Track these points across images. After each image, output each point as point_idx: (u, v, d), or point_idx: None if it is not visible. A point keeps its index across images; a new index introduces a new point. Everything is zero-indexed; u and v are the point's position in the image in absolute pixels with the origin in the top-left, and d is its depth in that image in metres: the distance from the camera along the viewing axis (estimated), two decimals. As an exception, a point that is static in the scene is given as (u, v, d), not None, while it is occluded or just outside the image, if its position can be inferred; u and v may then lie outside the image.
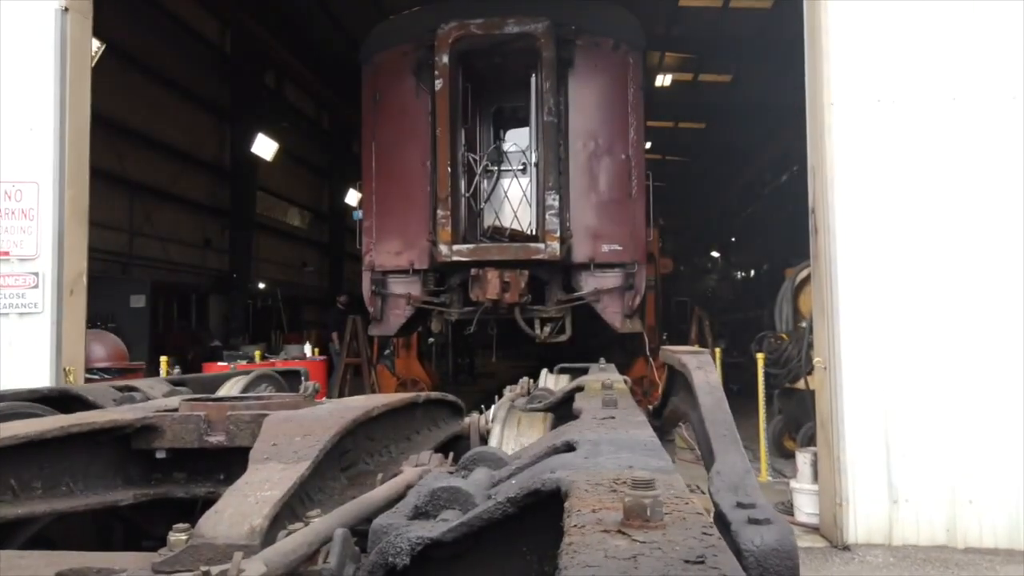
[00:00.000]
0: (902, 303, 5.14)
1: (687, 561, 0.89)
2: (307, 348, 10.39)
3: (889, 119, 5.23)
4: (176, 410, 2.17)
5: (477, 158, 9.62)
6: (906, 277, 5.13)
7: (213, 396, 2.67)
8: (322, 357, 11.27)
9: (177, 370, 7.70)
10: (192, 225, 21.71)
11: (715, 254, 33.11)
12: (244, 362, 6.91)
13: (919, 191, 5.25)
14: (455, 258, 8.59)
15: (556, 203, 8.58)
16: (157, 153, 19.63)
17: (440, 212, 8.65)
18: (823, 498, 5.48)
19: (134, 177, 18.38)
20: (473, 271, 8.58)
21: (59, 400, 2.70)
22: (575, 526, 1.02)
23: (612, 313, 8.87)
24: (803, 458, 6.06)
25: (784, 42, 21.23)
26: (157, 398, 2.81)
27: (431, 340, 13.21)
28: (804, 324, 8.35)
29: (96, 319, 16.55)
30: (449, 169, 8.66)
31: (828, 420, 5.16)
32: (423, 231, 8.95)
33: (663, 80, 25.94)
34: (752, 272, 22.44)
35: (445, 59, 8.67)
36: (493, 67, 9.40)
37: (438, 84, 8.71)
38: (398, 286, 9.22)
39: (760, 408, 7.68)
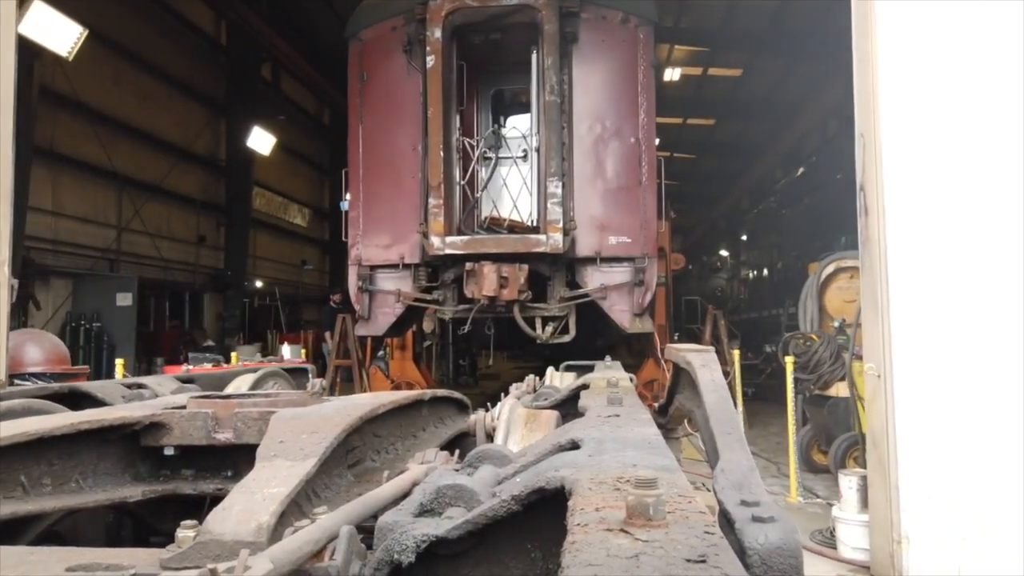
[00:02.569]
0: (975, 297, 4.32)
1: (689, 560, 0.89)
2: (286, 349, 9.67)
3: (960, 69, 4.37)
4: (184, 407, 2.16)
5: (474, 143, 8.87)
6: (980, 265, 4.30)
7: (221, 393, 2.65)
8: (301, 360, 10.55)
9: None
10: (185, 221, 21.04)
11: (724, 253, 32.44)
12: (210, 365, 6.22)
13: (1005, 156, 4.34)
14: (448, 251, 7.85)
15: (559, 191, 7.82)
16: (147, 146, 18.99)
17: (432, 201, 7.91)
18: (875, 532, 4.66)
19: (122, 170, 17.72)
20: (468, 265, 7.83)
21: (68, 397, 2.75)
22: (578, 525, 1.03)
23: (620, 311, 8.10)
24: (848, 482, 5.22)
25: (797, 33, 20.78)
26: (165, 395, 2.83)
27: (427, 343, 12.46)
28: (837, 323, 7.58)
29: (80, 318, 15.97)
30: (442, 154, 7.91)
31: (882, 439, 4.35)
32: (414, 222, 8.21)
33: (671, 74, 25.45)
34: (765, 271, 21.67)
35: (438, 34, 7.94)
36: (491, 44, 8.66)
37: (430, 61, 7.97)
38: (387, 282, 8.49)
39: (789, 419, 6.86)
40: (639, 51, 8.17)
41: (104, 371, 14.84)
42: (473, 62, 8.87)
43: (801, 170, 20.13)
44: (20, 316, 14.41)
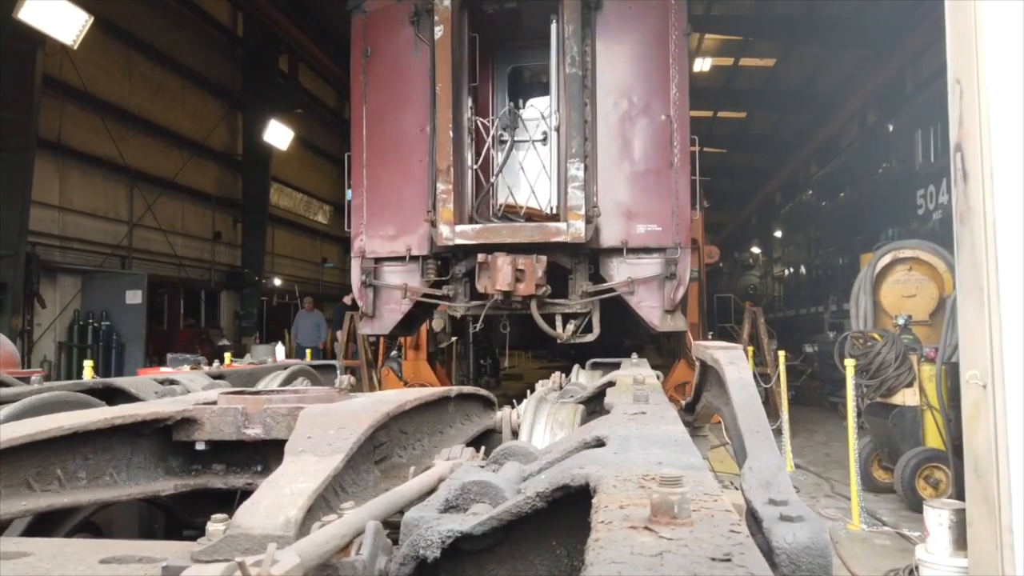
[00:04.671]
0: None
1: (713, 559, 0.89)
2: (279, 349, 9.04)
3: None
4: (215, 403, 2.20)
5: (488, 123, 8.09)
6: None
7: (251, 389, 2.65)
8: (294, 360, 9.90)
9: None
10: (200, 217, 20.56)
11: (756, 250, 31.50)
12: (187, 367, 5.58)
13: None
14: (458, 241, 7.09)
15: (580, 174, 7.01)
16: (161, 139, 18.52)
17: (440, 186, 7.16)
18: (978, 583, 3.81)
19: (134, 164, 17.24)
20: (480, 257, 7.06)
21: (103, 392, 2.82)
22: (602, 522, 1.03)
23: (649, 308, 7.28)
24: (936, 516, 4.33)
25: (834, 19, 19.84)
26: (196, 391, 2.88)
27: (442, 344, 11.75)
28: (901, 320, 6.69)
29: (89, 316, 15.50)
30: (451, 134, 7.16)
31: (988, 465, 3.48)
32: (422, 210, 7.47)
33: (702, 65, 24.72)
34: (802, 267, 20.69)
35: (447, 1, 7.19)
36: (507, 15, 7.89)
37: (438, 32, 7.22)
38: (393, 276, 7.75)
39: (850, 432, 5.96)
40: (670, 18, 7.34)
41: (111, 372, 14.33)
42: (487, 35, 8.10)
43: (841, 161, 19.15)
44: (26, 314, 13.96)
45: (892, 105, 17.19)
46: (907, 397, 6.30)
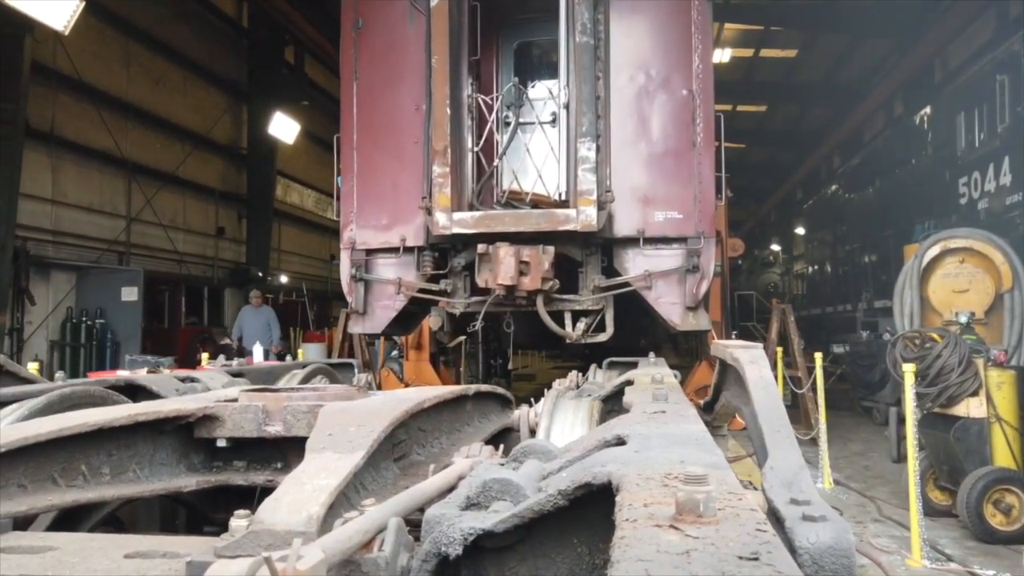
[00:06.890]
0: None
1: (741, 557, 0.87)
2: (257, 349, 8.39)
3: None
4: (236, 400, 2.21)
5: (490, 100, 7.38)
6: None
7: (271, 387, 2.64)
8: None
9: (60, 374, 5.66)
10: (203, 212, 19.99)
11: (776, 247, 30.78)
12: (144, 369, 4.96)
13: None
14: (456, 229, 6.37)
15: (592, 155, 6.26)
16: (161, 132, 17.95)
17: (436, 169, 6.45)
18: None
19: (133, 157, 16.67)
20: (480, 248, 6.35)
21: (125, 390, 2.85)
22: (627, 520, 1.02)
23: (668, 304, 6.54)
24: None
25: (859, 6, 19.04)
26: (217, 389, 2.94)
27: (450, 344, 11.08)
28: (964, 318, 5.90)
29: (83, 313, 14.94)
30: (448, 112, 6.45)
31: None
32: (417, 197, 6.77)
33: (721, 56, 24.18)
34: (828, 265, 19.87)
35: (444, -35, 6.49)
36: (510, -19, 7.20)
37: (434, -1, 6.53)
38: (386, 269, 7.06)
39: (910, 451, 5.14)
40: (692, -19, 6.61)
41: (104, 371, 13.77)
42: (491, 7, 7.39)
43: (869, 152, 18.32)
44: (15, 311, 13.42)
45: (925, 91, 16.35)
46: (971, 407, 5.51)
